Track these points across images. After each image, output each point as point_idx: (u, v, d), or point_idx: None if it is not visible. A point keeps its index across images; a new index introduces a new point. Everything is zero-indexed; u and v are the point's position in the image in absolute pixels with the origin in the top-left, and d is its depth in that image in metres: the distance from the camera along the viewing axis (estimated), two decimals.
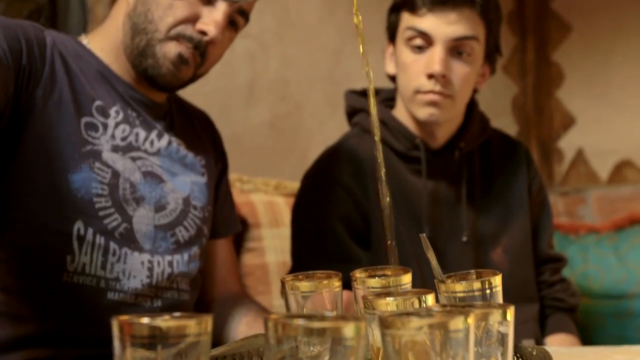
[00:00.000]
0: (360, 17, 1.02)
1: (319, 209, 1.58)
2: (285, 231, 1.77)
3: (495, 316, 0.61)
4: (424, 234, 0.87)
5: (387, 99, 1.69)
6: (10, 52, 1.13)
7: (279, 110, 2.42)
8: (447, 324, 0.52)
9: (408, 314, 0.56)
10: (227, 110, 2.30)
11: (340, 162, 1.61)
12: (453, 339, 0.52)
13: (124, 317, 0.55)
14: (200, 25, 1.25)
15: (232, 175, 1.99)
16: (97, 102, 1.26)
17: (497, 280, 0.80)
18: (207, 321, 0.56)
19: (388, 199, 0.96)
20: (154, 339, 0.54)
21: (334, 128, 1.70)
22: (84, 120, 1.23)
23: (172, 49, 1.25)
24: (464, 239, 1.60)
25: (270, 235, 1.95)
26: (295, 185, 1.86)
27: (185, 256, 1.31)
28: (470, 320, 0.53)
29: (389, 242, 0.95)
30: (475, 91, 1.67)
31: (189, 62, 1.26)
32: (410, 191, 1.60)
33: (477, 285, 0.78)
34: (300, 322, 0.53)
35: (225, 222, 1.48)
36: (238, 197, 1.96)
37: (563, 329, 1.67)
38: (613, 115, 2.84)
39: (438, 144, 1.63)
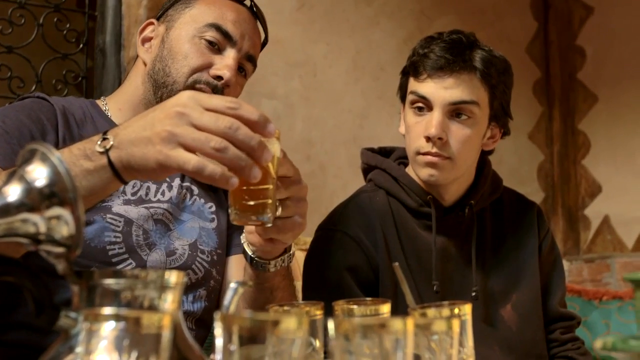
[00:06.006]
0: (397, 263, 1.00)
1: (329, 258, 1.62)
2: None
3: (439, 325, 0.65)
4: (397, 264, 0.91)
5: (402, 157, 1.74)
6: (37, 131, 1.26)
7: (302, 170, 2.46)
8: (385, 324, 0.57)
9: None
10: None
11: (351, 215, 1.66)
12: (394, 340, 0.57)
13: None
14: (214, 71, 1.36)
15: None
16: None
17: (466, 309, 0.83)
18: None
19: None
20: None
21: (356, 188, 1.75)
22: None
23: None
24: (473, 294, 1.63)
25: None
26: None
27: (190, 297, 1.38)
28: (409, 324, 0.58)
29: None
30: (488, 152, 1.71)
31: None
32: (421, 246, 1.64)
33: (445, 312, 0.81)
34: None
35: (236, 244, 1.50)
36: None
37: None
38: (639, 183, 2.85)
39: (448, 202, 1.67)
